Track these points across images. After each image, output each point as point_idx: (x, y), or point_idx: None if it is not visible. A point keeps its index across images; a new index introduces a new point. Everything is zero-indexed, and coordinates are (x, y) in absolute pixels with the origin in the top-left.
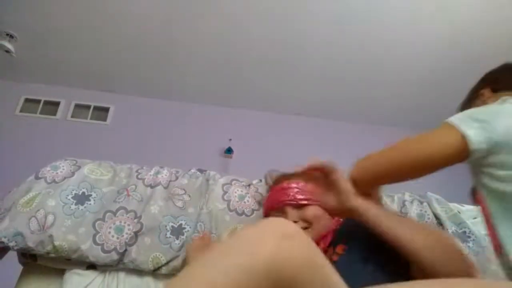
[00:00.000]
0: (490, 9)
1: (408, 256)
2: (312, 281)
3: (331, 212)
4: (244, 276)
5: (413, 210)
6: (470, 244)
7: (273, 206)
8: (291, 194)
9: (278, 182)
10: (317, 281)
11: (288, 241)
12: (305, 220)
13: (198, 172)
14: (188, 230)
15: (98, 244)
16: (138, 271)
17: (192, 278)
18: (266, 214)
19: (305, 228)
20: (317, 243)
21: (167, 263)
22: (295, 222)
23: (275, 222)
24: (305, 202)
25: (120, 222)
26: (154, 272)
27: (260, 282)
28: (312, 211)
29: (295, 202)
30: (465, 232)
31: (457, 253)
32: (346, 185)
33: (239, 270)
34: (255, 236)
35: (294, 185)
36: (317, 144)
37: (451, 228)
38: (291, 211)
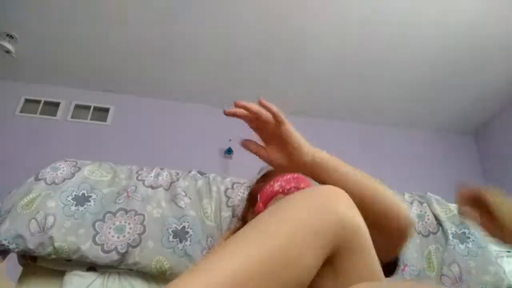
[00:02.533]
0: (491, 10)
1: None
2: (362, 249)
3: (281, 169)
4: (318, 229)
5: (413, 211)
6: (470, 245)
7: (285, 192)
8: (302, 181)
9: (273, 175)
10: (366, 249)
11: (353, 210)
12: None
13: (198, 175)
14: (191, 235)
15: (98, 245)
16: (140, 274)
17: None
18: (268, 201)
19: None
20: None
21: (170, 267)
22: None
23: (340, 191)
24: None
25: (120, 222)
26: (156, 276)
27: (329, 238)
28: None
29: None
30: (464, 232)
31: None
32: (299, 137)
33: (311, 227)
34: (327, 198)
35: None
36: (317, 144)
37: (450, 228)
38: None
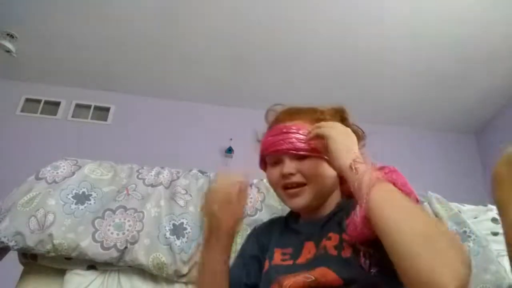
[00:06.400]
0: (493, 8)
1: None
2: None
3: None
4: None
5: None
6: (471, 244)
7: (270, 151)
8: (291, 141)
9: (279, 121)
10: None
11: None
12: (303, 174)
13: (199, 173)
14: (189, 232)
15: (97, 242)
16: (139, 273)
17: None
18: (262, 156)
19: (302, 184)
20: (315, 207)
21: (167, 263)
22: (291, 174)
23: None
24: (305, 153)
25: (120, 219)
26: (155, 275)
27: None
28: (312, 164)
29: (294, 152)
30: (465, 231)
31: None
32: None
33: None
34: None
35: (294, 129)
36: None
37: (451, 227)
38: (288, 162)
